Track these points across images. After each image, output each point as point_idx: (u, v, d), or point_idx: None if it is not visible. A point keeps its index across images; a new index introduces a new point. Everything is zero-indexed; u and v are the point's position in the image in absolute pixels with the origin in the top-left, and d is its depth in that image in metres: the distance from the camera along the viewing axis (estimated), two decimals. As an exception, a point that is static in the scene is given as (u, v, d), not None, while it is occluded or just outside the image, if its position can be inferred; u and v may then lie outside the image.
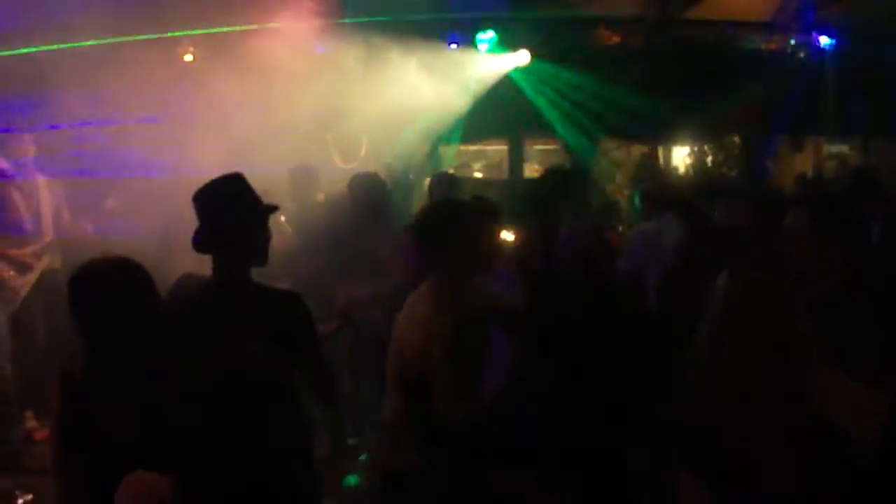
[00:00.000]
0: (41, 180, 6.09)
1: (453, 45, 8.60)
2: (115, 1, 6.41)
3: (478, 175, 10.93)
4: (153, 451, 2.70)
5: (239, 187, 3.28)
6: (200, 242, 3.24)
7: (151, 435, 2.76)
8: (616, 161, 10.48)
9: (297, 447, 3.35)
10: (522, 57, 8.93)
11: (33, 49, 6.19)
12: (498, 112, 8.97)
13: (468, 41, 8.70)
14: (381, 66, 7.54)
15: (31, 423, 5.93)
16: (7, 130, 5.98)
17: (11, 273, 6.01)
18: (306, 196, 6.10)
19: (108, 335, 2.83)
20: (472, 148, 10.52)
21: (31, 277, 6.10)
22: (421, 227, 3.46)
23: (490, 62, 8.85)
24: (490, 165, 11.10)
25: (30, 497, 5.35)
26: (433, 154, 8.81)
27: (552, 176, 5.13)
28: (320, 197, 6.13)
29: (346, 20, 7.58)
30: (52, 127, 6.30)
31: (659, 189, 6.18)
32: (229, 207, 3.24)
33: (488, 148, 10.89)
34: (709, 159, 10.83)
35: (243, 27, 7.11)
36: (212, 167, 5.73)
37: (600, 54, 9.22)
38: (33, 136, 6.07)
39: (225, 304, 3.21)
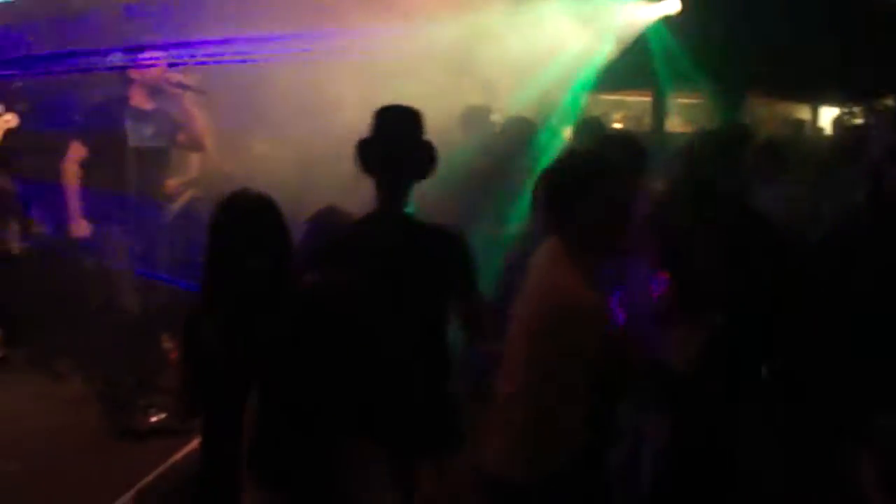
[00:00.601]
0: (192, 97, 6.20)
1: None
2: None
3: (617, 126, 10.70)
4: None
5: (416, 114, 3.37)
6: (368, 159, 3.32)
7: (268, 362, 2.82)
8: (760, 118, 10.12)
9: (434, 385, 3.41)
10: (672, 5, 8.64)
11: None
12: (642, 62, 8.73)
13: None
14: (523, 10, 7.40)
15: (167, 345, 6.13)
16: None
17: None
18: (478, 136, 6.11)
19: (235, 265, 2.88)
20: (612, 98, 10.30)
21: (174, 208, 6.30)
22: (553, 178, 2.99)
23: (638, 10, 8.59)
24: (630, 117, 10.86)
25: (164, 416, 5.57)
26: (572, 102, 8.63)
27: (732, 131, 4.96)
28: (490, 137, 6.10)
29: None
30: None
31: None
32: (405, 126, 3.34)
33: (628, 98, 10.66)
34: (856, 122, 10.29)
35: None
36: (351, 109, 5.84)
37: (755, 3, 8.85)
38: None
39: (383, 238, 3.28)
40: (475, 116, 6.35)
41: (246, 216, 2.91)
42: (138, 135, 5.85)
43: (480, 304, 3.46)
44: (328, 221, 3.65)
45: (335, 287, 3.06)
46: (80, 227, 5.80)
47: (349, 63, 6.59)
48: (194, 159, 6.55)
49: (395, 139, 3.33)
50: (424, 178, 3.39)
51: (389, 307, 3.11)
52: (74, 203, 5.79)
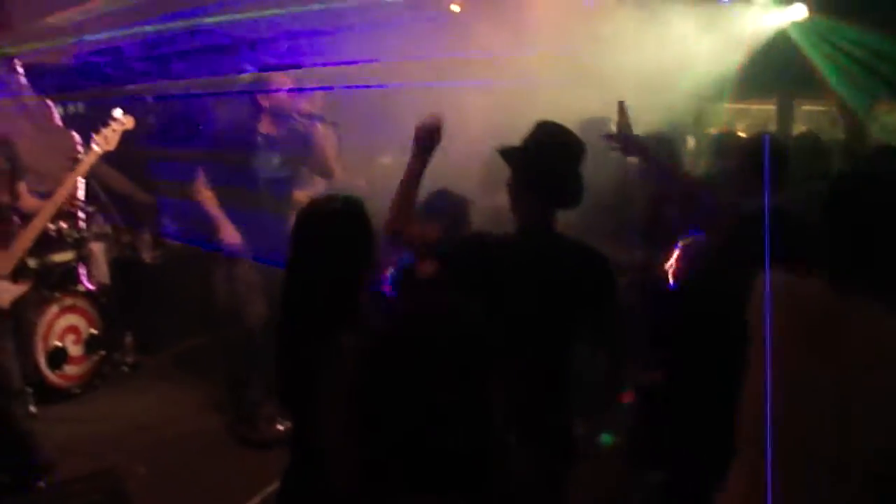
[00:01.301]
0: (317, 124, 6.31)
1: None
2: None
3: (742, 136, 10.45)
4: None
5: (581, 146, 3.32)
6: (525, 185, 3.30)
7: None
8: (887, 127, 9.74)
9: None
10: (798, 11, 8.41)
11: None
12: (767, 69, 8.51)
13: (740, -6, 8.27)
14: (648, 20, 7.30)
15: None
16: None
17: None
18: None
19: (314, 273, 2.85)
20: (736, 107, 10.08)
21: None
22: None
23: (763, 17, 8.38)
24: (754, 125, 10.57)
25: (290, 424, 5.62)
26: (698, 113, 8.48)
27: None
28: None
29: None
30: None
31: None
32: (553, 146, 3.30)
33: (752, 107, 10.41)
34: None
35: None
36: (476, 123, 5.83)
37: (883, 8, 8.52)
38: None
39: (527, 253, 3.24)
40: (594, 128, 6.23)
41: (325, 222, 2.89)
42: (267, 161, 6.00)
43: (617, 334, 3.40)
44: (442, 204, 3.63)
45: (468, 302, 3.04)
46: (231, 235, 5.93)
47: (475, 79, 6.56)
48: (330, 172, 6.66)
49: (559, 172, 3.29)
50: (571, 208, 3.36)
51: (525, 328, 3.07)
52: (218, 214, 5.93)
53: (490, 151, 3.96)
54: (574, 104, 6.53)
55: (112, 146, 5.41)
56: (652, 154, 4.09)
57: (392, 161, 6.48)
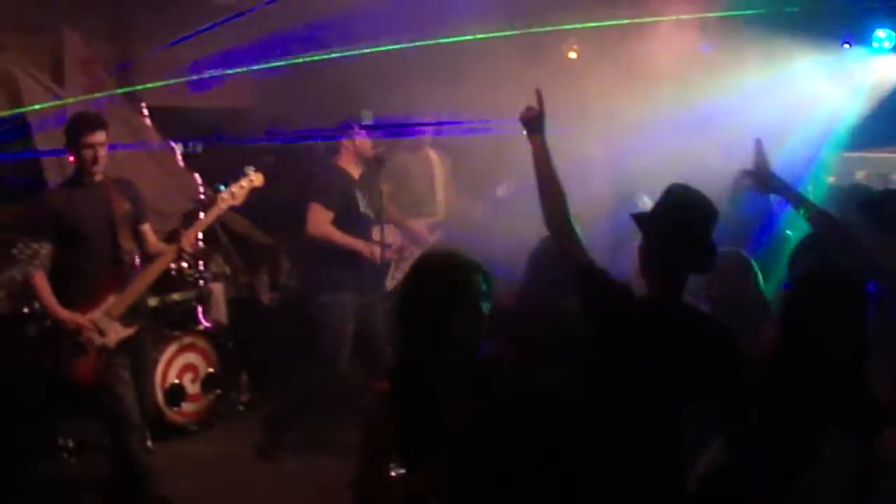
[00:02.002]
0: (435, 158, 6.40)
1: (846, 45, 8.01)
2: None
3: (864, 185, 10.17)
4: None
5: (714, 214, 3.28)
6: (652, 251, 3.26)
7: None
8: None
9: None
10: (922, 58, 8.18)
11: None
12: (890, 116, 8.28)
13: (863, 40, 8.07)
14: (767, 66, 7.17)
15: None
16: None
17: (408, 244, 6.43)
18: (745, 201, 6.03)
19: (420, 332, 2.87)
20: (855, 155, 9.81)
21: (414, 252, 6.48)
22: None
23: (886, 63, 8.17)
24: (875, 174, 10.29)
25: (402, 471, 5.61)
26: (818, 161, 8.29)
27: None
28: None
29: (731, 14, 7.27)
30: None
31: None
32: (686, 212, 3.25)
33: (873, 155, 10.12)
34: None
35: (628, 21, 7.00)
36: (595, 166, 5.80)
37: None
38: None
39: (653, 323, 3.17)
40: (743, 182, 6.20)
41: (445, 278, 2.89)
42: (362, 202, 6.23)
43: (741, 417, 3.29)
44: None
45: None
46: (367, 247, 6.15)
47: (592, 125, 6.55)
48: (441, 202, 6.74)
49: (694, 242, 3.22)
50: (703, 273, 3.32)
51: (642, 396, 3.07)
52: (350, 240, 6.12)
53: (616, 205, 3.96)
54: (693, 154, 6.50)
55: (239, 202, 5.57)
56: (793, 192, 4.02)
57: (506, 192, 6.51)
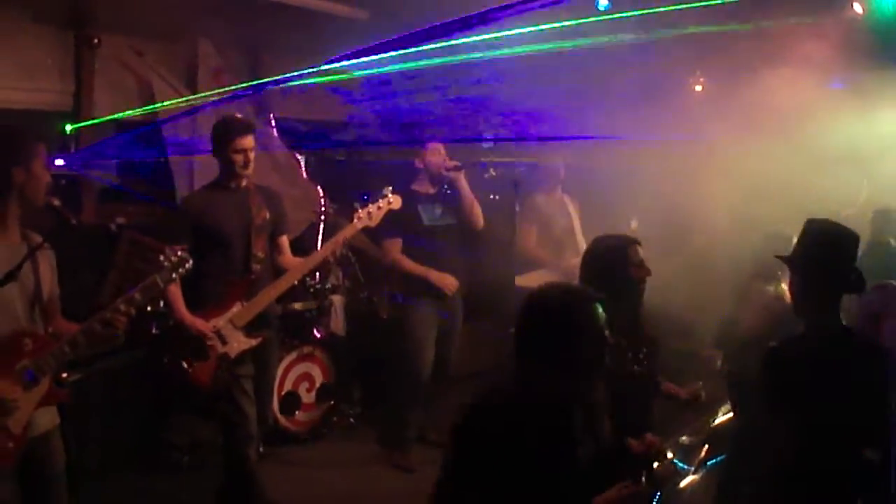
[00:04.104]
0: (568, 200, 6.45)
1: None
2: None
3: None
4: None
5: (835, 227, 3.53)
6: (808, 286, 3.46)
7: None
8: None
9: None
10: None
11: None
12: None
13: None
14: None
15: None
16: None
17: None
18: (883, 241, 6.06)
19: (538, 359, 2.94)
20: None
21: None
22: None
23: None
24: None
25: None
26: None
27: None
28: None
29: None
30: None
31: None
32: (831, 243, 3.49)
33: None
34: None
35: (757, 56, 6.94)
36: (722, 200, 5.76)
37: None
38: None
39: (824, 352, 3.34)
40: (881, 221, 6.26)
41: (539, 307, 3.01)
42: (430, 215, 6.42)
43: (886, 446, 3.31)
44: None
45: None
46: (447, 283, 6.40)
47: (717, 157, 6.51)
48: (582, 244, 6.80)
49: (847, 263, 3.47)
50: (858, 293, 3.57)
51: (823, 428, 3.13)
52: (421, 268, 6.39)
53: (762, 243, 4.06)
54: (819, 189, 6.42)
55: (374, 223, 5.63)
56: None
57: (637, 226, 6.51)
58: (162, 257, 4.17)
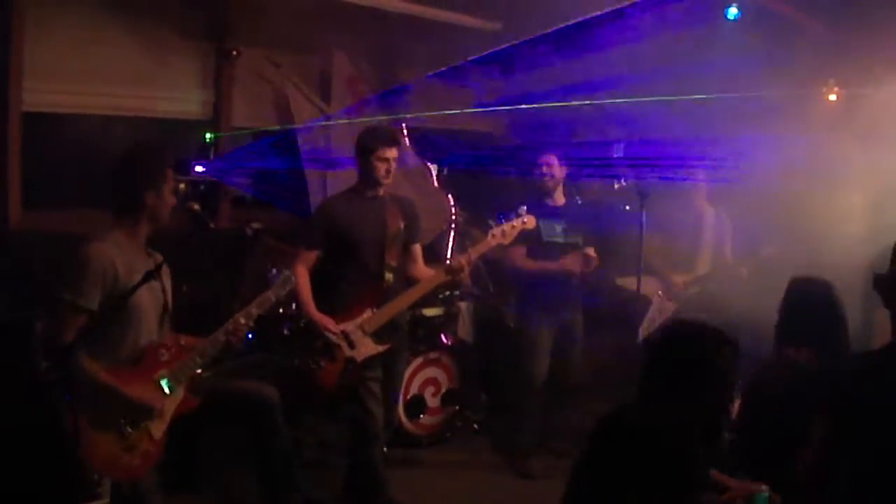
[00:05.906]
0: (711, 216, 6.39)
1: None
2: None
3: None
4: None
5: None
6: None
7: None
8: None
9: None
10: None
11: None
12: None
13: None
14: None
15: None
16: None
17: (660, 294, 6.44)
18: None
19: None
20: None
21: (670, 307, 6.44)
22: None
23: None
24: None
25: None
26: None
27: None
28: None
29: None
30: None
31: None
32: None
33: None
34: None
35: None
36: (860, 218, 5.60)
37: None
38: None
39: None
40: None
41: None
42: (550, 230, 6.38)
43: None
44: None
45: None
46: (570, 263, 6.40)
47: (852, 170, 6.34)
48: (704, 257, 6.71)
49: None
50: None
51: None
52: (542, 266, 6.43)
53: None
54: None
55: (508, 241, 5.69)
56: None
57: (773, 252, 6.41)
58: (271, 275, 4.52)
